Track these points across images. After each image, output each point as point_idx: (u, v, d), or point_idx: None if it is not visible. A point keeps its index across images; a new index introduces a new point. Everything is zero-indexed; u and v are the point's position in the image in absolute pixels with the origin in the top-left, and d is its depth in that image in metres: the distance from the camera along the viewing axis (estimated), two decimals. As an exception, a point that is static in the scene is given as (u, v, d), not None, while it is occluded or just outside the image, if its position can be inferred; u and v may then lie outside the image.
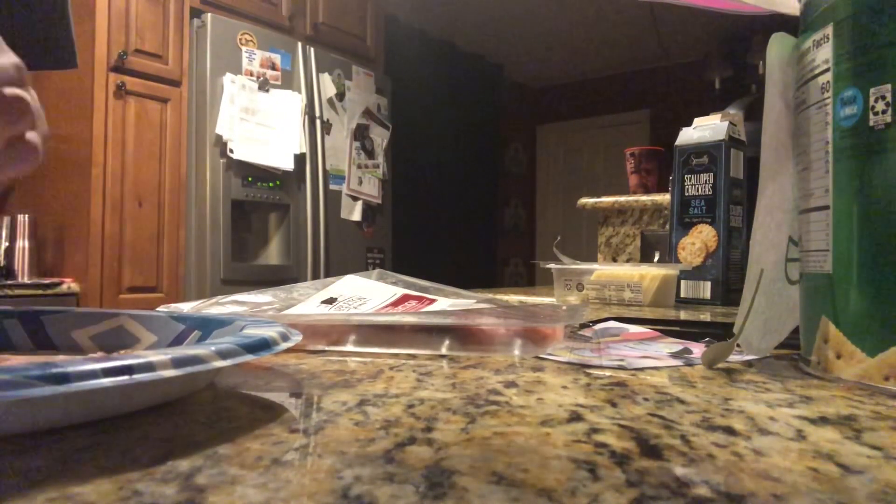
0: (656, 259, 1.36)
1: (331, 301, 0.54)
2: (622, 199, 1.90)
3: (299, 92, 2.65)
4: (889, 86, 0.32)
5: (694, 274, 0.97)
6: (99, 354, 0.28)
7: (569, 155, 5.61)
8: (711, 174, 0.96)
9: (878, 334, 0.32)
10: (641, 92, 5.13)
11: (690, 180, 0.98)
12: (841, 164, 0.34)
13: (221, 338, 0.31)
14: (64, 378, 0.20)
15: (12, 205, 2.27)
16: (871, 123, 0.32)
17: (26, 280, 2.18)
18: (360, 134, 2.92)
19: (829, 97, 0.35)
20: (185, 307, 0.52)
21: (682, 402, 0.29)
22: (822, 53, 0.35)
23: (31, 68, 0.64)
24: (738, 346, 0.40)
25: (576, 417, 0.26)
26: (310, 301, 0.55)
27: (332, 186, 2.78)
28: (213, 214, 2.42)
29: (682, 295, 0.98)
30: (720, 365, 0.39)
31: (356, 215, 2.89)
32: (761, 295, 0.39)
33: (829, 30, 0.35)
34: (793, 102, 0.40)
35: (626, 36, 4.51)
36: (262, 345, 0.27)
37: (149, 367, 0.22)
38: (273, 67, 2.59)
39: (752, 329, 0.40)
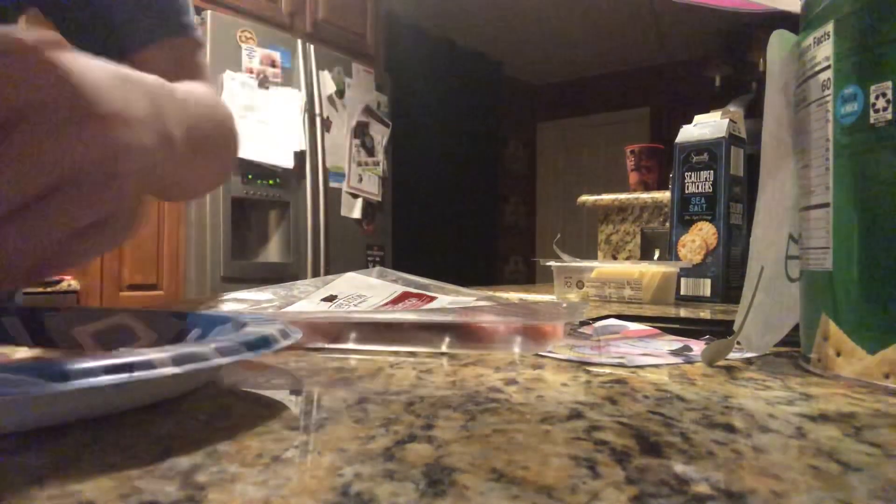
0: (656, 256, 1.36)
1: (331, 299, 0.54)
2: (622, 196, 1.90)
3: (299, 89, 2.65)
4: (890, 83, 0.32)
5: (694, 271, 0.97)
6: (99, 352, 0.28)
7: (569, 152, 5.61)
8: (712, 171, 0.96)
9: (878, 332, 0.32)
10: (642, 89, 5.13)
11: (690, 178, 0.98)
12: (841, 162, 0.34)
13: (222, 335, 0.31)
14: (64, 376, 0.20)
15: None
16: (872, 121, 0.32)
17: (26, 278, 2.18)
18: (360, 131, 2.92)
19: (829, 94, 0.35)
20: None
21: (682, 399, 0.29)
22: (823, 50, 0.35)
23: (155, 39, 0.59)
24: (738, 343, 0.40)
25: (576, 415, 0.26)
26: (310, 299, 0.55)
27: (332, 184, 2.78)
28: (213, 212, 2.42)
29: (682, 292, 0.98)
30: (720, 362, 0.39)
31: (356, 213, 2.89)
32: (761, 292, 0.39)
33: (829, 27, 0.35)
34: (793, 100, 0.40)
35: (626, 33, 4.51)
36: (263, 342, 0.27)
37: (149, 364, 0.22)
38: (273, 65, 2.59)
39: (752, 326, 0.40)
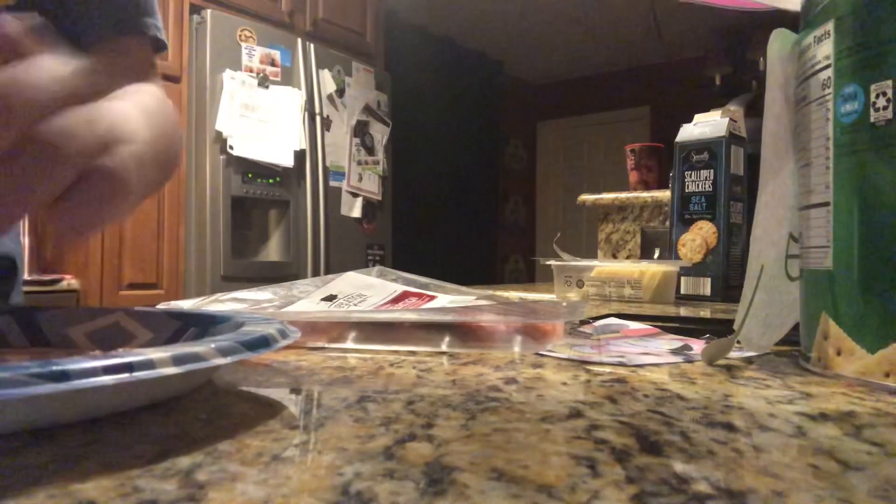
0: (656, 256, 1.36)
1: (331, 298, 0.54)
2: (622, 195, 1.90)
3: (299, 88, 2.65)
4: (890, 82, 0.32)
5: (694, 270, 0.97)
6: (97, 352, 0.28)
7: (569, 151, 5.61)
8: (712, 170, 0.96)
9: (878, 331, 0.32)
10: (642, 88, 5.12)
11: (691, 177, 0.98)
12: (842, 161, 0.34)
13: (220, 335, 0.31)
14: (64, 376, 0.20)
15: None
16: (872, 120, 0.32)
17: (26, 277, 2.18)
18: (360, 130, 2.91)
19: (829, 93, 0.35)
20: (186, 305, 0.52)
21: (681, 398, 0.29)
22: (823, 49, 0.35)
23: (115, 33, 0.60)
24: (738, 342, 0.40)
25: (576, 414, 0.26)
26: (310, 298, 0.55)
27: (332, 183, 2.78)
28: (213, 211, 2.42)
29: (683, 291, 0.98)
30: (720, 361, 0.39)
31: (356, 212, 2.89)
32: (761, 291, 0.39)
33: (829, 26, 0.35)
34: (793, 98, 0.40)
35: (626, 32, 4.50)
36: (262, 342, 0.27)
37: (149, 364, 0.22)
38: (273, 64, 2.59)
39: (752, 325, 0.40)
